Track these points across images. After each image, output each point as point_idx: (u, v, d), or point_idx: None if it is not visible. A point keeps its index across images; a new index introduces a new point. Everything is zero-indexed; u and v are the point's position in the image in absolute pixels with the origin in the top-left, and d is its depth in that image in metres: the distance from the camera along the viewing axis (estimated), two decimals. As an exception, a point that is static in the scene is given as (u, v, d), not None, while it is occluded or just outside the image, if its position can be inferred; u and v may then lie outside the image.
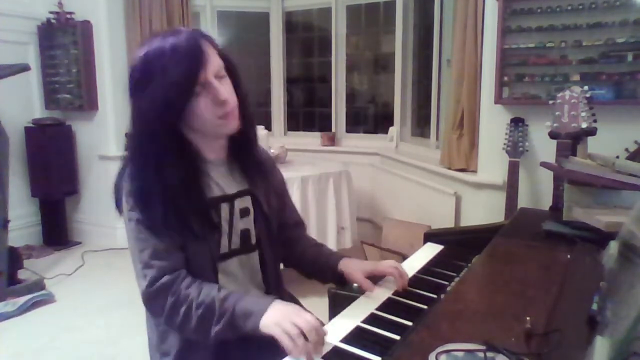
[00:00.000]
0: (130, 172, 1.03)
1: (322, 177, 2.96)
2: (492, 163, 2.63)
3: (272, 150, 3.20)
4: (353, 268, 1.19)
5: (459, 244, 1.46)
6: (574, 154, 1.67)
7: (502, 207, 2.45)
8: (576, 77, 2.32)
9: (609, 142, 2.00)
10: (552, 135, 1.74)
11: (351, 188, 3.17)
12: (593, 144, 1.73)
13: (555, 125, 1.73)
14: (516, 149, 2.43)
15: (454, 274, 1.23)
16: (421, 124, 3.87)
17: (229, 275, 1.12)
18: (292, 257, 1.31)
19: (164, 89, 0.95)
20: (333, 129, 4.36)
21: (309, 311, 1.28)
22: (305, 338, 0.87)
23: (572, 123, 1.70)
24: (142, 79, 0.98)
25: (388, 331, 0.95)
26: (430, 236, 1.56)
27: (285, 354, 0.87)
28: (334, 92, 4.33)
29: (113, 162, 3.50)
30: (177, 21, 3.87)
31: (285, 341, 0.86)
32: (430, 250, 1.45)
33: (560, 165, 1.44)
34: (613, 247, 0.93)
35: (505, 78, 2.49)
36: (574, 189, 1.34)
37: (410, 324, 0.98)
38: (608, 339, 0.59)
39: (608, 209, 1.27)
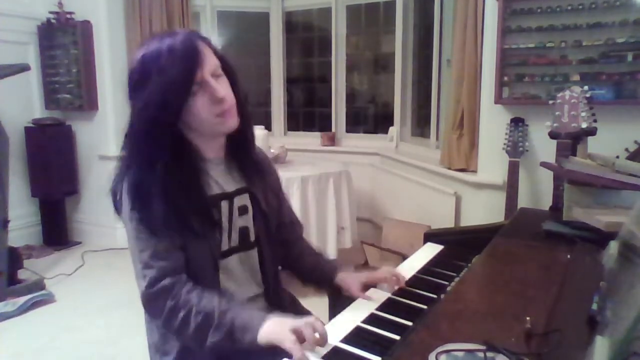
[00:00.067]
0: (129, 172, 1.03)
1: (322, 177, 2.96)
2: (492, 163, 2.63)
3: (272, 150, 3.20)
4: (349, 282, 1.20)
5: (459, 244, 1.46)
6: (574, 154, 1.67)
7: (502, 207, 2.45)
8: (576, 77, 2.32)
9: (609, 142, 2.00)
10: (552, 135, 1.74)
11: (351, 188, 3.17)
12: (593, 144, 1.73)
13: (555, 125, 1.73)
14: (516, 149, 2.43)
15: (454, 274, 1.23)
16: (421, 124, 3.87)
17: (229, 273, 1.12)
18: (289, 260, 1.32)
19: (161, 88, 0.97)
20: (333, 129, 4.36)
21: (309, 311, 1.29)
22: (304, 340, 0.87)
23: (572, 123, 1.70)
24: (140, 80, 1.00)
25: (388, 331, 0.95)
26: (430, 236, 1.56)
27: (285, 355, 0.86)
28: (334, 92, 4.33)
29: (113, 162, 3.44)
30: (177, 21, 3.87)
31: (286, 344, 0.86)
32: (430, 250, 1.45)
33: (560, 165, 1.44)
34: (613, 247, 0.93)
35: (505, 78, 2.49)
36: (574, 189, 1.34)
37: (410, 324, 0.98)
38: (608, 338, 0.59)
39: (608, 209, 1.27)
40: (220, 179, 1.13)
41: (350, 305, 1.10)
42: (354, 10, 4.26)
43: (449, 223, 2.89)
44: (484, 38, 2.64)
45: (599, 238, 1.14)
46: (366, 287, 1.18)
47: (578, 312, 0.84)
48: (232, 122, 1.06)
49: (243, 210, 1.15)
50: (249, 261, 1.17)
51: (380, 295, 1.13)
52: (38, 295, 2.84)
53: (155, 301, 1.00)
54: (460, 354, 0.73)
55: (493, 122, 2.59)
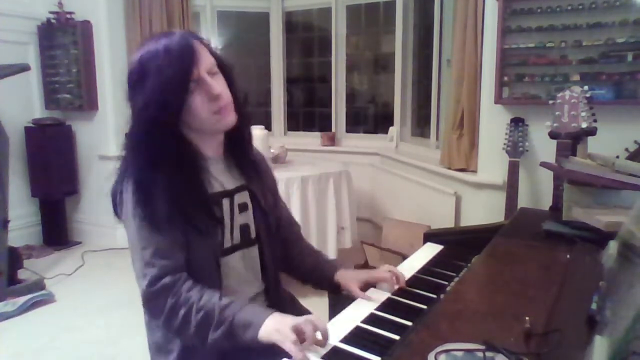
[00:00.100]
0: (131, 172, 1.04)
1: (322, 177, 2.96)
2: (492, 163, 2.63)
3: (272, 150, 3.20)
4: (349, 279, 1.20)
5: (459, 244, 1.47)
6: (574, 154, 1.67)
7: (502, 207, 2.45)
8: (576, 77, 2.32)
9: (609, 142, 2.00)
10: (552, 135, 1.74)
11: (351, 188, 3.17)
12: (593, 144, 1.73)
13: (555, 125, 1.73)
14: (516, 149, 2.43)
15: (454, 274, 1.23)
16: (421, 124, 3.87)
17: (231, 271, 1.13)
18: (288, 259, 1.32)
19: (160, 87, 0.99)
20: (333, 129, 4.36)
21: (308, 311, 1.29)
22: (302, 341, 0.87)
23: (572, 123, 1.69)
24: (138, 80, 1.02)
25: (388, 331, 0.95)
26: (430, 236, 1.56)
27: (286, 354, 0.86)
28: (334, 92, 4.33)
29: (113, 162, 3.45)
30: (177, 21, 3.87)
31: (286, 345, 0.86)
32: (430, 250, 1.45)
33: (560, 165, 1.44)
34: (612, 246, 0.93)
35: (505, 78, 2.49)
36: (573, 189, 1.34)
37: (409, 324, 0.98)
38: (607, 338, 0.59)
39: (608, 209, 1.27)
40: (221, 176, 1.14)
41: (350, 305, 1.10)
42: (354, 10, 4.26)
43: (449, 223, 2.89)
44: (484, 38, 2.64)
45: (599, 238, 1.14)
46: (366, 286, 1.19)
47: (578, 311, 0.84)
48: (230, 118, 1.08)
49: (243, 207, 1.17)
50: (250, 259, 1.18)
51: (380, 295, 1.13)
52: (38, 295, 2.84)
53: (156, 299, 1.00)
54: (460, 353, 0.73)
55: (493, 122, 2.59)
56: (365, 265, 2.93)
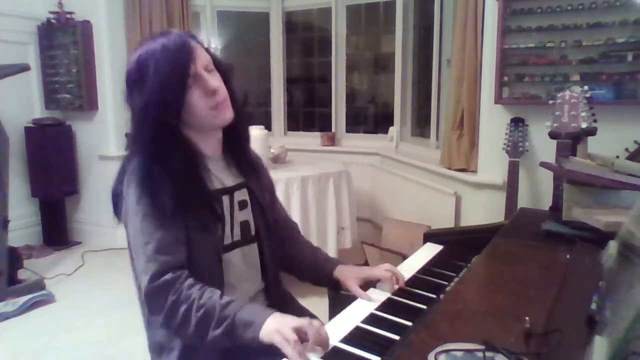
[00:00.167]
0: (135, 167, 1.05)
1: (322, 177, 2.96)
2: (492, 163, 2.63)
3: (272, 150, 3.20)
4: (348, 276, 1.21)
5: (459, 244, 1.47)
6: (574, 154, 1.67)
7: (502, 207, 2.45)
8: (576, 77, 2.32)
9: (609, 142, 2.00)
10: (552, 135, 1.74)
11: (351, 188, 3.17)
12: (593, 144, 1.72)
13: (555, 125, 1.73)
14: (516, 149, 2.43)
15: (454, 274, 1.23)
16: (421, 124, 3.87)
17: (232, 268, 1.14)
18: (287, 258, 1.33)
19: (158, 84, 1.01)
20: (333, 129, 4.36)
21: (313, 315, 1.29)
22: (304, 341, 0.87)
23: (572, 123, 1.69)
24: (137, 79, 1.04)
25: (387, 331, 0.95)
26: (430, 236, 1.56)
27: (286, 355, 0.86)
28: (334, 92, 4.33)
29: (113, 162, 3.50)
30: (177, 21, 3.87)
31: (286, 349, 0.86)
32: (430, 250, 1.45)
33: (560, 165, 1.44)
34: (612, 246, 0.93)
35: (505, 78, 2.49)
36: (573, 189, 1.34)
37: (409, 324, 0.98)
38: (607, 338, 0.59)
39: (607, 209, 1.27)
40: (220, 174, 1.16)
41: (350, 305, 1.10)
42: (354, 10, 4.26)
43: (449, 223, 2.89)
44: (484, 38, 2.64)
45: (599, 238, 1.14)
46: (365, 284, 1.19)
47: (577, 311, 0.84)
48: (228, 114, 1.10)
49: (243, 204, 1.18)
50: (250, 256, 1.19)
51: (380, 295, 1.13)
52: (38, 295, 2.84)
53: (156, 296, 1.00)
54: (460, 353, 0.73)
55: (493, 122, 2.59)
56: (366, 266, 2.93)
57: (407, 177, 3.43)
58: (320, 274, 1.27)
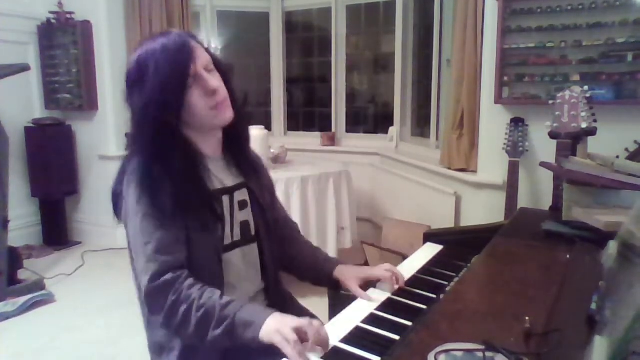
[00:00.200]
0: (135, 167, 1.06)
1: (322, 177, 2.96)
2: (492, 163, 2.63)
3: (272, 150, 3.20)
4: (348, 276, 1.20)
5: (459, 244, 1.46)
6: (574, 154, 1.67)
7: (502, 207, 2.45)
8: (576, 77, 2.32)
9: (609, 142, 2.00)
10: (552, 135, 1.74)
11: (351, 188, 3.17)
12: (593, 144, 1.72)
13: (555, 125, 1.73)
14: (516, 149, 2.43)
15: (454, 274, 1.23)
16: (421, 124, 3.87)
17: (232, 268, 1.14)
18: (287, 258, 1.33)
19: (159, 84, 1.01)
20: (333, 129, 4.36)
21: (313, 315, 1.29)
22: (304, 341, 0.87)
23: (572, 123, 1.69)
24: (137, 79, 1.04)
25: (388, 331, 0.95)
26: (430, 236, 1.56)
27: (286, 355, 0.87)
28: (334, 92, 4.33)
29: (113, 162, 3.50)
30: (177, 21, 3.87)
31: (286, 349, 0.86)
32: (430, 250, 1.45)
33: (560, 165, 1.44)
34: (612, 247, 0.93)
35: (505, 78, 2.49)
36: (573, 189, 1.34)
37: (409, 324, 0.98)
38: (607, 338, 0.59)
39: (608, 209, 1.27)
40: (220, 174, 1.16)
41: (350, 305, 1.09)
42: (354, 10, 4.26)
43: (449, 223, 2.89)
44: (484, 38, 2.64)
45: (599, 238, 1.14)
46: (365, 284, 1.19)
47: (577, 312, 0.84)
48: (228, 114, 1.10)
49: (243, 204, 1.18)
50: (250, 256, 1.19)
51: (380, 295, 1.13)
52: (38, 295, 2.84)
53: (156, 296, 1.00)
54: (460, 353, 0.73)
55: (493, 122, 2.59)
56: (365, 266, 2.93)
57: (407, 177, 3.43)
58: (320, 273, 1.27)
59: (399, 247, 2.95)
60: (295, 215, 2.78)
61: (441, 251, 1.45)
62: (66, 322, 2.64)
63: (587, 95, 1.70)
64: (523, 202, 2.42)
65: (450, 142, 2.93)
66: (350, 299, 1.14)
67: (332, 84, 4.32)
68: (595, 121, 1.69)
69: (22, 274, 3.08)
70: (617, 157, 1.94)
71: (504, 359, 0.71)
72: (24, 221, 3.77)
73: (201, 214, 1.07)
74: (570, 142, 1.69)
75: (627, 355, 0.53)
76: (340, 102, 4.35)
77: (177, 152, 1.06)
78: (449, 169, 2.95)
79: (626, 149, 2.22)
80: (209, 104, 1.07)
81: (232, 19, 4.53)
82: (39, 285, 2.97)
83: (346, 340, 0.92)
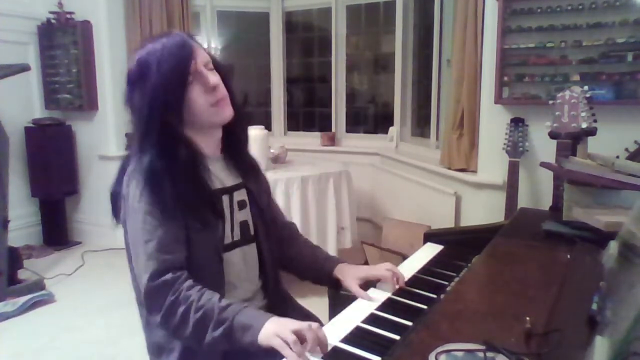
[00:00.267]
0: (135, 166, 1.06)
1: (322, 177, 2.96)
2: (492, 163, 2.63)
3: (272, 150, 3.20)
4: (348, 276, 1.20)
5: (459, 244, 1.46)
6: (574, 154, 1.67)
7: (502, 207, 2.45)
8: (576, 77, 2.32)
9: (609, 142, 2.00)
10: (552, 135, 1.74)
11: (351, 188, 3.17)
12: (593, 144, 1.73)
13: (555, 125, 1.73)
14: (516, 149, 2.43)
15: (454, 274, 1.23)
16: (421, 124, 3.87)
17: (232, 268, 1.14)
18: (286, 258, 1.33)
19: (161, 80, 1.03)
20: (333, 129, 4.36)
21: (311, 314, 1.29)
22: (303, 341, 0.87)
23: (572, 123, 1.69)
24: (139, 77, 1.05)
25: (388, 331, 0.95)
26: (430, 236, 1.56)
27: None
28: (334, 92, 4.33)
29: (113, 162, 3.50)
30: (177, 21, 3.87)
31: (285, 352, 0.86)
32: (430, 250, 1.45)
33: (560, 165, 1.44)
34: (613, 247, 0.93)
35: (505, 78, 2.49)
36: (574, 189, 1.34)
37: (410, 324, 0.98)
38: (608, 339, 0.59)
39: (608, 209, 1.27)
40: (220, 174, 1.17)
41: (350, 305, 1.09)
42: (354, 10, 4.26)
43: (449, 223, 2.89)
44: (484, 38, 2.64)
45: (599, 238, 1.14)
46: (366, 283, 1.19)
47: (578, 312, 0.84)
48: (228, 111, 1.12)
49: (242, 204, 1.19)
50: (250, 256, 1.20)
51: (380, 295, 1.13)
52: (38, 295, 2.84)
53: (156, 295, 1.00)
54: (460, 354, 0.73)
55: (493, 122, 2.59)
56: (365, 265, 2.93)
57: (407, 177, 3.43)
58: (320, 272, 1.27)
59: (399, 247, 2.95)
60: (295, 215, 2.78)
61: (441, 251, 1.45)
62: (66, 322, 2.64)
63: (587, 95, 1.70)
64: (523, 202, 2.42)
65: (450, 142, 2.93)
66: (350, 299, 1.14)
67: (332, 84, 4.32)
68: (595, 121, 1.69)
69: (22, 274, 3.07)
70: (617, 157, 1.94)
71: (504, 359, 0.71)
72: (24, 221, 3.77)
73: (202, 213, 1.07)
74: (570, 142, 1.69)
75: (628, 355, 0.53)
76: (340, 102, 4.35)
77: (178, 152, 1.06)
78: (449, 169, 2.95)
79: (626, 149, 2.22)
80: (209, 101, 1.08)
81: (232, 19, 4.53)
82: (39, 285, 2.97)
83: (346, 340, 0.92)
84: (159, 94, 1.03)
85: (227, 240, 1.14)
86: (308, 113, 4.70)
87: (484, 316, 0.90)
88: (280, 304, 1.23)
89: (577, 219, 1.30)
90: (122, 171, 1.11)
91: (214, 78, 1.08)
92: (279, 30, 4.46)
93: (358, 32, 4.38)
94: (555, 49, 2.38)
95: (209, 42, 4.32)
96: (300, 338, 0.88)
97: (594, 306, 0.79)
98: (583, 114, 1.68)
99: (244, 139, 1.24)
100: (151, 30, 3.74)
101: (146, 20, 3.76)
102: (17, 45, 3.69)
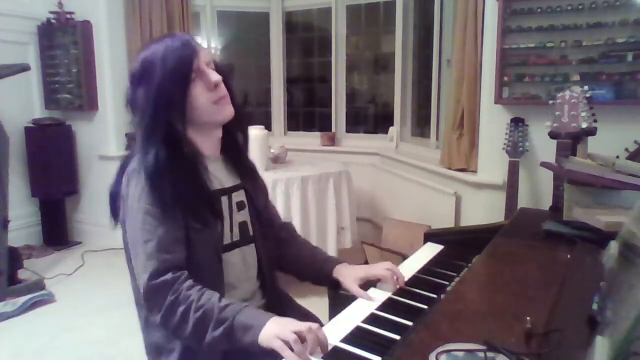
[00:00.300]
0: (135, 165, 1.07)
1: (322, 177, 2.96)
2: (492, 163, 2.63)
3: (272, 150, 3.20)
4: (347, 277, 1.21)
5: (459, 244, 1.46)
6: (574, 154, 1.67)
7: (502, 207, 2.45)
8: (576, 77, 2.32)
9: (609, 142, 2.00)
10: (552, 135, 1.74)
11: (351, 188, 3.17)
12: (593, 144, 1.73)
13: (555, 125, 1.73)
14: (516, 149, 2.43)
15: (454, 274, 1.23)
16: (421, 124, 3.87)
17: (231, 268, 1.14)
18: (285, 259, 1.33)
19: (165, 77, 1.04)
20: (333, 129, 4.36)
21: (311, 314, 1.29)
22: (304, 342, 0.87)
23: (572, 123, 1.69)
24: (143, 77, 1.06)
25: (388, 331, 0.95)
26: (430, 236, 1.56)
27: None
28: (334, 92, 4.33)
29: (113, 162, 3.48)
30: (177, 21, 3.87)
31: (285, 353, 0.87)
32: (430, 250, 1.45)
33: (560, 165, 1.44)
34: (613, 247, 0.93)
35: (505, 78, 2.48)
36: (574, 189, 1.34)
37: (410, 324, 0.98)
38: (608, 339, 0.59)
39: (608, 209, 1.27)
40: (219, 175, 1.17)
41: (350, 305, 1.09)
42: (354, 10, 4.26)
43: (449, 223, 2.89)
44: (484, 38, 2.64)
45: (599, 238, 1.14)
46: (365, 283, 1.19)
47: (578, 312, 0.84)
48: (228, 110, 1.13)
49: (241, 205, 1.20)
50: (249, 256, 1.20)
51: (380, 295, 1.13)
52: (38, 295, 2.84)
53: (156, 294, 1.00)
54: (461, 354, 0.73)
55: (493, 122, 2.59)
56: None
57: (407, 177, 3.43)
58: (319, 273, 1.28)
59: (399, 247, 2.95)
60: (295, 215, 2.78)
61: (441, 251, 1.45)
62: (66, 322, 2.64)
63: (587, 95, 1.70)
64: (523, 202, 2.42)
65: (450, 142, 2.93)
66: (350, 298, 1.14)
67: (332, 84, 4.32)
68: (595, 121, 1.69)
69: (22, 274, 3.07)
70: (617, 157, 1.94)
71: (504, 359, 0.71)
72: (24, 221, 3.77)
73: (201, 213, 1.08)
74: (570, 142, 1.69)
75: (629, 355, 0.53)
76: (340, 102, 4.35)
77: (178, 152, 1.07)
78: (449, 169, 2.95)
79: (626, 149, 2.22)
80: (211, 98, 1.09)
81: (232, 19, 4.53)
82: (39, 285, 2.97)
83: (347, 340, 0.92)
84: (164, 92, 1.04)
85: (227, 240, 1.14)
86: (308, 113, 4.70)
87: (484, 316, 0.90)
88: (278, 304, 1.23)
89: (577, 219, 1.30)
90: (121, 171, 1.12)
91: (216, 76, 1.09)
92: (279, 30, 4.46)
93: (358, 32, 4.38)
94: (555, 49, 2.38)
95: (209, 42, 4.32)
96: (301, 339, 0.88)
97: (594, 306, 0.79)
98: (583, 114, 1.68)
99: (243, 140, 1.24)
100: (151, 30, 3.74)
101: (146, 20, 3.76)
102: (17, 45, 3.69)
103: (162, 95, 1.04)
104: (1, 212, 2.84)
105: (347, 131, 4.38)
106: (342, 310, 1.07)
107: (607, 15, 2.25)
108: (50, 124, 3.75)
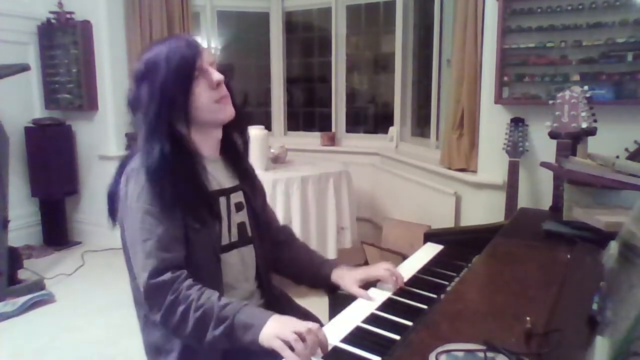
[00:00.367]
0: (135, 165, 1.07)
1: (322, 177, 2.96)
2: (492, 163, 2.63)
3: (272, 150, 3.20)
4: (347, 279, 1.21)
5: (459, 244, 1.47)
6: (574, 154, 1.67)
7: (502, 207, 2.45)
8: (576, 77, 2.32)
9: (609, 142, 2.00)
10: (552, 135, 1.74)
11: (351, 188, 3.17)
12: (593, 144, 1.73)
13: (555, 125, 1.73)
14: (516, 149, 2.43)
15: (454, 274, 1.23)
16: (421, 124, 3.87)
17: (230, 269, 1.14)
18: (281, 262, 1.33)
19: (169, 76, 1.05)
20: (333, 129, 4.36)
21: (310, 313, 1.29)
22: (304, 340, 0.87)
23: (572, 123, 1.69)
24: (147, 75, 1.07)
25: (388, 331, 0.95)
26: (430, 236, 1.56)
27: None
28: (334, 92, 4.33)
29: (113, 162, 3.47)
30: (177, 21, 3.87)
31: (285, 353, 0.87)
32: (430, 250, 1.45)
33: (560, 165, 1.44)
34: (613, 247, 0.93)
35: (505, 78, 2.48)
36: (574, 189, 1.34)
37: (410, 324, 0.98)
38: (608, 339, 0.59)
39: (608, 209, 1.27)
40: (218, 175, 1.17)
41: (350, 305, 1.10)
42: (354, 10, 4.26)
43: (449, 223, 2.89)
44: (484, 38, 2.64)
45: (599, 238, 1.14)
46: (365, 284, 1.19)
47: (578, 312, 0.84)
48: (229, 110, 1.14)
49: (239, 206, 1.20)
50: (247, 257, 1.20)
51: (380, 295, 1.13)
52: (38, 295, 2.84)
53: (155, 293, 1.00)
54: (461, 354, 0.73)
55: (493, 122, 2.59)
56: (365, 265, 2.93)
57: (407, 177, 3.43)
58: (316, 277, 1.28)
59: (399, 247, 2.95)
60: (295, 215, 2.79)
61: (441, 251, 1.45)
62: (66, 322, 2.64)
63: (587, 95, 1.70)
64: (523, 202, 2.42)
65: (450, 142, 2.93)
66: (350, 299, 1.14)
67: (332, 84, 4.32)
68: (595, 121, 1.69)
69: (22, 274, 3.07)
70: (617, 157, 1.94)
71: (504, 359, 0.71)
72: (24, 221, 3.77)
73: (200, 213, 1.08)
74: (570, 142, 1.69)
75: (629, 355, 0.53)
76: (340, 102, 4.35)
77: (178, 152, 1.07)
78: (449, 169, 2.95)
79: (626, 149, 2.22)
80: (213, 97, 1.10)
81: (232, 19, 4.53)
82: (39, 285, 2.97)
83: (347, 340, 0.92)
84: (167, 90, 1.05)
85: (225, 241, 1.14)
86: (308, 113, 4.70)
87: (484, 316, 0.90)
88: (277, 304, 1.23)
89: (577, 219, 1.30)
90: (120, 171, 1.12)
91: (218, 75, 1.10)
92: (279, 30, 4.46)
93: (358, 32, 4.38)
94: (555, 49, 2.38)
95: (209, 42, 4.32)
96: (301, 339, 0.88)
97: (594, 306, 0.79)
98: (583, 114, 1.68)
99: (243, 141, 1.25)
100: (151, 30, 3.74)
101: (146, 20, 3.76)
102: (17, 45, 3.69)
103: (165, 93, 1.05)
104: (1, 212, 2.84)
105: (347, 131, 4.38)
106: (342, 310, 1.07)
107: (607, 15, 2.25)
108: (50, 124, 3.75)
